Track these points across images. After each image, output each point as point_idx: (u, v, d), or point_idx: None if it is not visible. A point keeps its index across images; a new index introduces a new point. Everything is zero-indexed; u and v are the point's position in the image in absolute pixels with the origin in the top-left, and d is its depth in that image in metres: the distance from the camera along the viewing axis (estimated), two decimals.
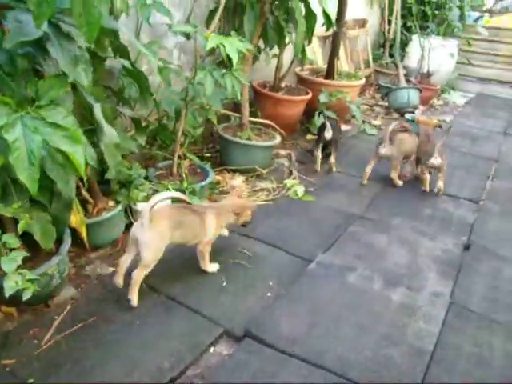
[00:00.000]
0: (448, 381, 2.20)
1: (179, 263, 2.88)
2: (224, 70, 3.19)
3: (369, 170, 4.25)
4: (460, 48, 8.92)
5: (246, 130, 4.29)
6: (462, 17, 9.21)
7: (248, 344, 2.34)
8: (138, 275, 2.45)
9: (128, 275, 2.50)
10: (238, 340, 2.38)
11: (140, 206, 3.05)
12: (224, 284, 2.75)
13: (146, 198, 3.09)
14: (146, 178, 3.39)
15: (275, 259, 3.03)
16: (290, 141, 5.11)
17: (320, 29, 5.78)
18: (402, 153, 4.16)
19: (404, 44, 8.40)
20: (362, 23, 7.82)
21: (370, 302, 2.67)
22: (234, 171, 4.22)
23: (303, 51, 4.26)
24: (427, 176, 4.17)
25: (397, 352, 2.33)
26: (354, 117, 5.35)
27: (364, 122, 6.06)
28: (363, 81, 5.66)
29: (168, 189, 3.28)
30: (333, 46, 5.45)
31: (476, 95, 8.98)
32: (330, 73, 5.46)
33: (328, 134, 4.33)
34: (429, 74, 7.59)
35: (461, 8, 9.28)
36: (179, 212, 2.60)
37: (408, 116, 5.36)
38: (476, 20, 10.35)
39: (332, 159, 4.48)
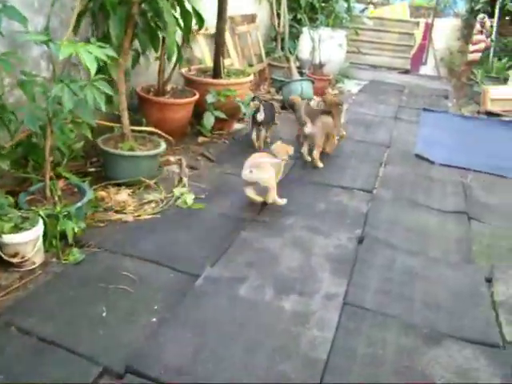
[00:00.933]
0: None
1: (55, 299, 2.56)
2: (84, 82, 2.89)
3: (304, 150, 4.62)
4: (350, 38, 9.14)
5: (128, 141, 3.99)
6: (348, 8, 9.44)
7: (129, 381, 2.09)
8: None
9: None
10: (119, 378, 2.13)
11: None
12: (104, 315, 2.47)
13: (14, 229, 2.76)
14: (17, 204, 3.03)
15: (161, 279, 2.79)
16: (181, 145, 4.87)
17: (207, 26, 5.61)
18: (324, 134, 4.58)
19: (296, 36, 8.45)
20: (251, 18, 7.73)
21: (262, 314, 2.51)
22: (120, 185, 3.91)
23: (179, 52, 4.03)
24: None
25: (290, 366, 2.18)
26: (245, 114, 5.20)
27: None
28: (251, 77, 5.53)
29: (40, 215, 2.94)
30: (216, 44, 5.26)
31: (369, 82, 9.25)
32: (217, 72, 5.27)
33: (260, 116, 4.68)
34: (321, 65, 7.66)
35: (347, 0, 9.50)
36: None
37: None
38: (362, 11, 10.70)
39: (266, 138, 4.91)
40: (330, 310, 2.56)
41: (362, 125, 6.27)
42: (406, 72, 10.61)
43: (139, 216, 3.55)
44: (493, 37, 8.36)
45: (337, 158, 4.92)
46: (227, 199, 3.83)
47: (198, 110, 5.02)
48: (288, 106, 5.79)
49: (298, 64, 7.99)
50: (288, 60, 7.18)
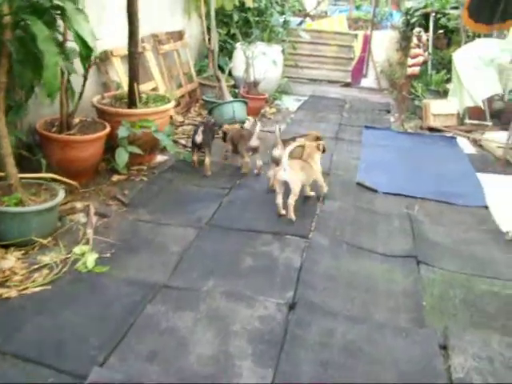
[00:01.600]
0: None
1: None
2: None
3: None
4: (288, 52, 8.71)
5: (16, 192, 3.30)
6: (284, 22, 9.03)
7: None
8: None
9: None
10: None
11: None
12: None
13: None
14: None
15: None
16: (92, 187, 4.19)
17: (122, 47, 4.98)
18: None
19: (230, 53, 7.93)
20: (178, 36, 7.13)
21: None
22: (8, 246, 3.21)
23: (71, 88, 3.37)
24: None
25: None
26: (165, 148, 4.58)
27: (185, 146, 5.37)
28: (172, 104, 4.92)
29: None
30: (130, 69, 4.62)
31: (309, 97, 8.85)
32: (131, 100, 4.63)
33: (198, 137, 4.61)
34: (256, 83, 7.14)
35: (282, 13, 9.10)
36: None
37: None
38: (299, 24, 10.31)
39: (206, 161, 4.62)
40: None
41: None
42: (347, 85, 10.30)
43: (25, 289, 2.86)
44: (429, 50, 8.13)
45: (269, 192, 4.37)
46: (137, 257, 3.20)
47: (113, 144, 4.36)
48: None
49: (232, 82, 7.47)
50: (219, 80, 6.61)
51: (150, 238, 3.44)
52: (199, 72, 7.67)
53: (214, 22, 6.65)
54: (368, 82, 10.53)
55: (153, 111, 4.57)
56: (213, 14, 6.63)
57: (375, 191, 4.59)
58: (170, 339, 2.44)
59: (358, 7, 13.44)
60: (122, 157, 4.24)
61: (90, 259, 3.13)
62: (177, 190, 4.27)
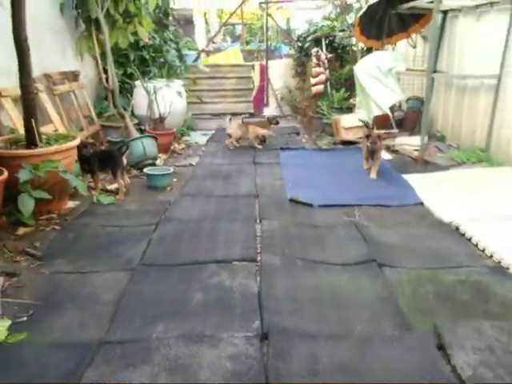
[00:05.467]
0: None
1: None
2: None
3: None
4: (188, 89, 8.45)
5: None
6: (180, 58, 8.79)
7: None
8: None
9: None
10: None
11: None
12: None
13: None
14: None
15: None
16: None
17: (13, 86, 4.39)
18: None
19: (129, 92, 7.48)
20: (72, 76, 6.58)
21: None
22: None
23: None
24: None
25: None
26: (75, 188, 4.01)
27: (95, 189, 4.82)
28: (78, 141, 4.37)
29: None
30: (24, 106, 4.01)
31: (215, 131, 8.58)
32: (30, 139, 4.03)
33: (86, 150, 4.52)
34: (162, 118, 6.75)
35: (178, 50, 8.88)
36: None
37: None
38: (195, 60, 10.15)
39: (119, 184, 4.62)
40: None
41: (220, 176, 5.44)
42: (251, 115, 10.21)
43: None
44: (327, 72, 8.32)
45: (201, 220, 3.97)
46: (62, 315, 2.61)
47: (13, 192, 3.71)
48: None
49: (135, 121, 6.99)
50: (123, 117, 6.15)
51: (76, 291, 2.85)
52: (99, 115, 7.13)
53: (111, 59, 6.21)
54: (270, 110, 10.55)
55: (56, 149, 3.99)
56: (109, 50, 6.19)
57: (310, 205, 4.34)
58: None
59: (247, 43, 13.66)
60: (26, 204, 3.61)
61: (1, 328, 2.50)
62: (96, 234, 3.70)
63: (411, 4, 6.39)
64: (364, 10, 6.96)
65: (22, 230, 3.78)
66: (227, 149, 6.97)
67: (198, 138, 8.00)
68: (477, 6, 6.12)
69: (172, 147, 6.96)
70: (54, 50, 6.13)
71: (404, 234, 3.69)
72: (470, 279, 2.96)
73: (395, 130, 7.08)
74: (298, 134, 8.15)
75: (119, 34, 6.81)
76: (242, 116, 8.21)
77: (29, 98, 3.96)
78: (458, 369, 2.11)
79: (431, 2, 5.81)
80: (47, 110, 5.38)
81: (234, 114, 10.14)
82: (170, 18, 8.71)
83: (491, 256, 3.30)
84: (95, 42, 6.65)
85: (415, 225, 3.90)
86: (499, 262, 3.20)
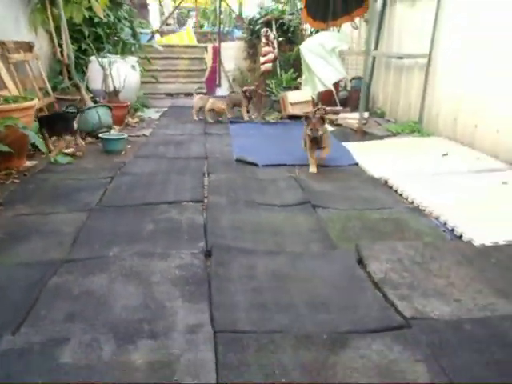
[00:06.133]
0: None
1: None
2: None
3: None
4: (143, 68, 8.61)
5: None
6: (134, 36, 8.94)
7: None
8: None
9: None
10: None
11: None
12: None
13: None
14: None
15: None
16: None
17: None
18: None
19: (83, 67, 7.59)
20: (27, 47, 6.64)
21: (101, 378, 1.68)
22: None
23: None
24: None
25: None
26: (34, 147, 4.20)
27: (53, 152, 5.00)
28: (36, 101, 4.55)
29: None
30: None
31: (168, 108, 8.81)
32: None
33: None
34: (116, 92, 6.91)
35: (132, 28, 9.01)
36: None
37: None
38: (149, 40, 10.29)
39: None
40: (199, 348, 1.85)
41: (172, 143, 5.73)
42: (204, 95, 10.47)
43: None
44: (276, 51, 8.68)
45: (154, 174, 4.27)
46: (27, 244, 2.86)
47: None
48: None
49: (90, 95, 7.14)
50: (79, 88, 6.31)
51: (38, 227, 3.10)
52: (54, 88, 7.21)
53: (67, 32, 6.34)
54: (222, 90, 10.82)
55: (17, 107, 4.18)
56: (64, 23, 6.32)
57: (256, 165, 4.70)
58: (87, 300, 2.21)
59: (201, 26, 13.88)
60: None
61: None
62: (55, 186, 3.94)
63: None
64: None
65: None
66: (181, 122, 7.24)
67: (152, 114, 8.21)
68: None
69: (126, 120, 7.16)
70: (8, 19, 6.20)
71: (338, 186, 4.12)
72: (392, 217, 3.41)
73: (339, 108, 7.54)
74: (248, 111, 8.49)
75: (74, 8, 6.90)
76: (196, 89, 8.54)
77: None
78: (372, 273, 2.53)
79: None
80: (2, 76, 5.47)
81: (187, 95, 10.37)
82: None
83: (412, 202, 3.75)
84: (49, 15, 6.74)
85: (349, 179, 4.34)
86: (417, 206, 3.66)
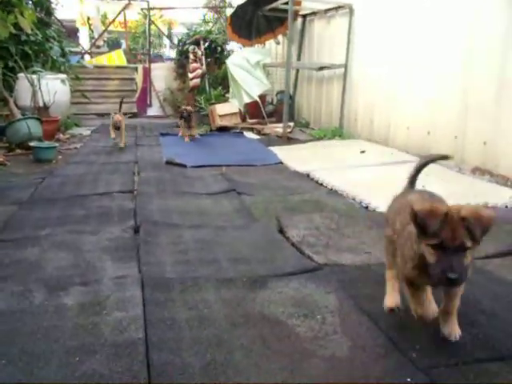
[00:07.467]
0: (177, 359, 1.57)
1: None
2: None
3: None
4: (73, 88, 8.62)
5: None
6: (64, 56, 8.95)
7: None
8: None
9: None
10: None
11: None
12: None
13: None
14: None
15: None
16: None
17: None
18: None
19: (10, 85, 7.52)
20: None
21: (36, 320, 1.79)
22: None
23: None
24: None
25: (100, 360, 1.56)
26: None
27: None
28: None
29: None
30: None
31: (99, 126, 8.86)
32: None
33: None
34: (46, 107, 6.93)
35: (61, 48, 9.02)
36: None
37: None
38: (78, 61, 10.31)
39: None
40: (127, 288, 2.01)
41: (103, 153, 5.84)
42: (135, 115, 10.57)
43: None
44: (204, 67, 9.00)
45: (84, 175, 4.37)
46: None
47: None
48: None
49: (19, 112, 7.08)
50: (7, 103, 6.28)
51: None
52: None
53: None
54: (153, 110, 10.99)
55: None
56: None
57: (184, 166, 4.89)
58: (18, 266, 2.31)
59: (131, 49, 14.04)
60: None
61: None
62: None
63: (273, 5, 7.30)
64: (234, 10, 7.77)
65: None
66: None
67: (83, 131, 8.23)
68: (326, 11, 7.22)
69: (57, 136, 7.15)
70: None
71: (263, 179, 4.39)
72: (312, 199, 3.71)
73: (266, 120, 7.91)
74: (178, 126, 8.69)
75: None
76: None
77: None
78: (291, 237, 2.79)
79: (286, 4, 6.76)
80: None
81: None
82: (53, 17, 8.89)
83: (332, 189, 4.07)
84: None
85: (274, 173, 4.64)
86: (336, 191, 3.98)
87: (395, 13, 5.60)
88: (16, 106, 7.15)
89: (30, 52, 7.95)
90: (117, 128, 6.26)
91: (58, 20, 9.51)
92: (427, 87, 5.05)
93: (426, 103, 5.08)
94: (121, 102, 6.66)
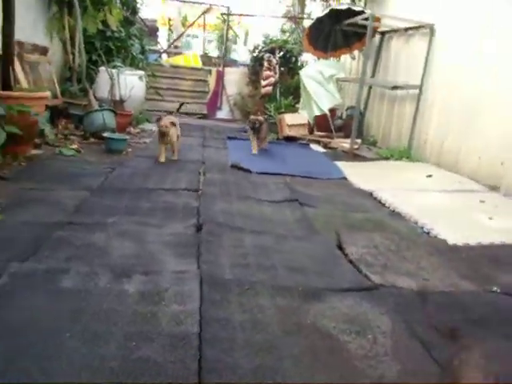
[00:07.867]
0: (229, 359, 1.61)
1: None
2: None
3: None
4: (148, 85, 8.97)
5: None
6: (143, 53, 9.35)
7: None
8: None
9: None
10: None
11: None
12: None
13: None
14: None
15: None
16: None
17: None
18: None
19: (92, 78, 7.94)
20: (42, 50, 6.99)
21: (99, 302, 1.89)
22: None
23: None
24: None
25: (154, 348, 1.63)
26: (44, 134, 4.45)
27: (59, 146, 5.26)
28: (49, 93, 4.82)
29: None
30: (4, 53, 4.46)
31: None
32: (5, 82, 4.45)
33: None
34: (122, 101, 7.25)
35: (141, 45, 9.43)
36: None
37: None
38: (156, 60, 10.72)
39: None
40: (186, 283, 2.07)
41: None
42: (204, 117, 10.84)
43: None
44: (277, 76, 9.09)
45: (153, 169, 4.53)
46: (31, 208, 3.08)
47: None
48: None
49: (97, 102, 7.45)
50: (87, 93, 6.62)
51: (42, 198, 3.31)
52: (62, 93, 7.54)
53: (81, 39, 6.72)
54: (223, 113, 11.23)
55: (30, 96, 4.44)
56: (80, 31, 6.70)
57: (249, 171, 4.96)
58: (87, 249, 2.44)
59: (207, 52, 14.43)
60: None
61: None
62: (60, 171, 4.17)
63: (352, 20, 7.27)
64: (313, 22, 7.81)
65: None
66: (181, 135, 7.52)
67: (153, 127, 8.53)
68: (406, 29, 7.11)
69: (128, 129, 7.46)
70: (27, 21, 6.55)
71: (326, 192, 4.37)
72: (373, 218, 3.66)
73: (334, 134, 7.88)
74: (245, 131, 8.82)
75: (89, 20, 7.32)
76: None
77: (9, 45, 4.42)
78: (349, 254, 2.77)
79: (366, 20, 6.72)
80: (16, 72, 5.78)
81: (188, 114, 10.74)
82: (137, 16, 9.31)
83: (394, 210, 4.01)
84: (66, 24, 7.12)
85: (336, 188, 4.61)
86: (399, 213, 3.91)
87: (478, 38, 5.43)
88: (95, 97, 7.53)
89: (113, 47, 8.36)
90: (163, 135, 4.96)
91: (141, 19, 9.95)
92: (506, 117, 4.87)
93: (503, 132, 4.89)
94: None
